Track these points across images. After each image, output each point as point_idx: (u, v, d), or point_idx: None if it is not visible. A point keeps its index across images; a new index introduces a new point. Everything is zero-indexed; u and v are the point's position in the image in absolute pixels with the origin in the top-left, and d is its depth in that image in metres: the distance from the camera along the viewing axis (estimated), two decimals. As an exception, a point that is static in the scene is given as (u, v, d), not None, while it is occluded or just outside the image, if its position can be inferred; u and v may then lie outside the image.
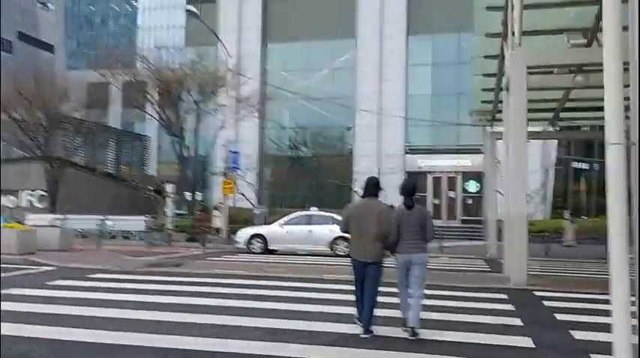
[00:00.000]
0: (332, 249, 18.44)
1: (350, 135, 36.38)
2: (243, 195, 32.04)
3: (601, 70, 4.64)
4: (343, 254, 18.14)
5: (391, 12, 34.75)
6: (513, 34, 11.42)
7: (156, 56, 24.92)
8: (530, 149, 29.93)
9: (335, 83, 35.98)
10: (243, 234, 19.52)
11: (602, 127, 4.88)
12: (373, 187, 6.56)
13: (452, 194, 32.91)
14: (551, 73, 12.74)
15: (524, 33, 11.32)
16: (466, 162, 33.41)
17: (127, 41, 55.91)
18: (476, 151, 33.31)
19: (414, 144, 34.66)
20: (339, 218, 18.84)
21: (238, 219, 31.06)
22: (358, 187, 32.51)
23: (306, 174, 37.96)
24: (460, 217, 32.32)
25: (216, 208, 25.03)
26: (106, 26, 73.40)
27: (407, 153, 34.44)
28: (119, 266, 13.28)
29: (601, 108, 4.67)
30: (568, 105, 18.08)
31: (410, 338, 6.10)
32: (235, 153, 24.03)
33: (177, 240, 24.26)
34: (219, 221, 23.99)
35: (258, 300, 8.55)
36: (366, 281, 6.34)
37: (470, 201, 33.67)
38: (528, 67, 11.01)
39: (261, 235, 19.12)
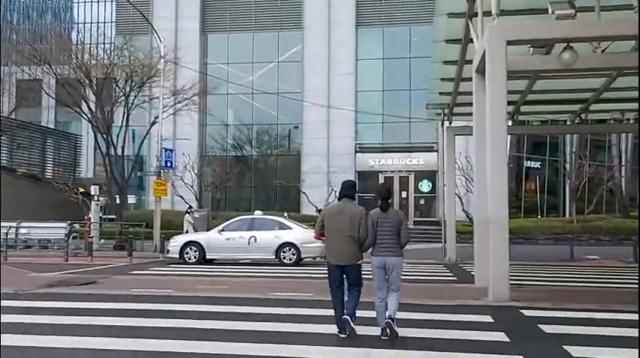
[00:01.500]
0: (278, 257, 16.35)
1: (298, 134, 34.37)
2: (181, 197, 29.42)
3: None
4: (290, 262, 16.12)
5: (340, 3, 32.98)
6: (488, 14, 9.73)
7: (87, 49, 21.93)
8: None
9: (281, 78, 33.88)
10: (176, 241, 17.14)
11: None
12: (349, 189, 6.48)
13: (404, 194, 31.41)
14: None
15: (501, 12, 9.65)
16: (419, 160, 32.07)
17: (59, 35, 51.75)
18: (428, 149, 32.08)
19: (364, 142, 33.03)
20: (287, 222, 16.80)
21: (177, 223, 28.48)
22: (307, 188, 30.66)
23: (252, 174, 35.68)
24: (413, 218, 30.89)
25: (188, 212, 22.33)
26: (43, 19, 68.27)
27: (357, 151, 32.77)
28: (14, 285, 10.69)
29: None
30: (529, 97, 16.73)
31: (384, 337, 6.17)
32: (170, 150, 21.51)
33: (102, 249, 21.55)
34: (188, 226, 21.40)
35: (176, 337, 6.34)
36: (349, 281, 6.39)
37: (423, 202, 32.34)
38: (508, 43, 9.30)
39: (196, 243, 16.79)
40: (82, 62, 20.08)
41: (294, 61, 33.80)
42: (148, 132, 23.21)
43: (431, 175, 31.68)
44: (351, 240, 6.24)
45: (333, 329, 6.46)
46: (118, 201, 22.37)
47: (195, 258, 16.66)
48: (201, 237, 17.12)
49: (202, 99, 32.83)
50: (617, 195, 32.37)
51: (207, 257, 16.73)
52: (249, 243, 16.50)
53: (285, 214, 24.13)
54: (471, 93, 17.26)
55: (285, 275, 13.74)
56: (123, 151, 22.59)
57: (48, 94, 21.08)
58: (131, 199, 30.10)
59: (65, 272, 13.92)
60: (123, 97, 21.68)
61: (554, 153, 34.32)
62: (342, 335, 6.19)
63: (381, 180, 32.07)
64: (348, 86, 32.30)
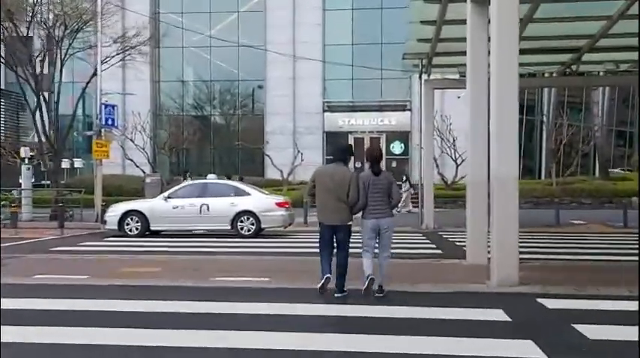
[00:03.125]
0: (235, 228, 14.16)
1: (262, 94, 31.74)
2: (131, 160, 26.76)
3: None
4: (249, 233, 13.97)
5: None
6: None
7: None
8: (457, 105, 27.15)
9: (242, 30, 30.97)
10: (114, 211, 14.71)
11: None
12: (341, 153, 6.68)
13: (375, 156, 29.37)
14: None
15: None
16: (390, 120, 30.01)
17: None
18: (401, 108, 30.03)
19: (333, 100, 30.67)
20: (245, 187, 14.53)
21: (128, 189, 25.94)
22: (271, 150, 28.33)
23: (212, 136, 33.07)
24: (385, 182, 28.93)
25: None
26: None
27: (325, 110, 30.44)
28: None
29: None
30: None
31: (378, 294, 6.31)
32: (111, 106, 18.77)
33: (38, 219, 18.95)
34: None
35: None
36: (338, 246, 6.52)
37: (394, 165, 30.43)
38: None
39: (138, 212, 14.40)
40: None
41: (256, 11, 30.90)
42: (86, 86, 20.25)
43: (403, 136, 29.75)
44: (341, 202, 6.36)
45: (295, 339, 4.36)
46: (52, 165, 19.57)
47: (137, 229, 14.32)
48: (143, 205, 14.71)
49: (154, 51, 29.87)
50: (596, 157, 31.10)
51: (152, 228, 14.42)
52: (200, 212, 14.23)
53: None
54: (454, 40, 15.18)
55: (240, 249, 11.60)
56: (57, 109, 19.69)
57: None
58: (78, 163, 27.31)
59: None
60: (54, 45, 18.64)
61: (530, 113, 32.70)
62: (321, 293, 6.32)
63: (351, 142, 29.96)
64: (314, 38, 29.66)
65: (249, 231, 14.18)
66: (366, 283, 6.31)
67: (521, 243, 7.59)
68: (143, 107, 28.82)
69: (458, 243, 12.56)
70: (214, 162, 32.84)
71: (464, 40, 13.79)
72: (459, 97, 27.59)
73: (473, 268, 8.59)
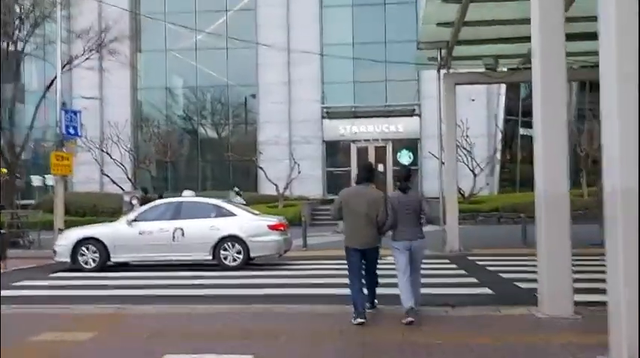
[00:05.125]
0: (217, 257, 11.26)
1: (255, 102, 28.91)
2: (107, 176, 23.86)
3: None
4: (234, 265, 11.07)
5: None
6: None
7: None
8: (472, 108, 24.35)
9: (230, 32, 28.17)
10: (66, 238, 11.79)
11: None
12: (366, 173, 6.51)
13: (381, 167, 26.46)
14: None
15: None
16: (397, 127, 27.19)
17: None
18: (409, 114, 27.24)
19: (333, 106, 27.84)
20: (228, 206, 11.57)
21: (105, 208, 23.05)
22: (264, 162, 25.45)
23: (199, 148, 30.19)
24: (393, 196, 26.04)
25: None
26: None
27: (324, 117, 27.59)
28: None
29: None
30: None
31: (411, 320, 5.85)
32: (72, 112, 15.91)
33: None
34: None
35: None
36: (367, 265, 6.34)
37: (401, 176, 27.50)
38: None
39: (96, 240, 11.46)
40: None
41: (246, 10, 28.19)
42: (46, 89, 17.35)
43: (412, 144, 26.91)
44: (370, 224, 6.14)
45: None
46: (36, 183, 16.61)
47: (94, 261, 11.39)
48: (102, 230, 11.76)
49: (134, 56, 27.10)
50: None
51: (113, 259, 11.48)
52: (173, 238, 11.33)
53: (236, 189, 18.92)
54: (483, 24, 12.57)
55: (221, 291, 8.70)
56: (11, 118, 16.80)
57: None
58: (49, 180, 24.38)
59: None
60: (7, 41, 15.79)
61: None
62: (361, 320, 5.87)
63: (354, 151, 27.14)
64: (311, 38, 26.90)
65: (234, 261, 11.28)
66: (408, 317, 5.86)
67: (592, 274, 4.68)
68: (122, 117, 25.93)
69: (503, 274, 9.75)
70: (204, 176, 29.95)
71: (496, 23, 11.05)
72: (472, 100, 25.08)
73: (559, 327, 5.71)
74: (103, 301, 7.92)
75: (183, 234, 11.33)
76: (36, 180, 25.93)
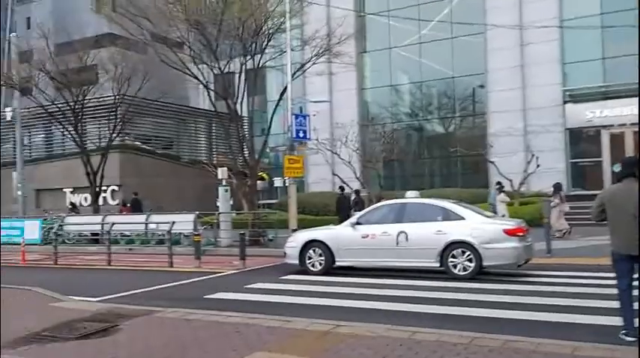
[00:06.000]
0: (444, 265, 10.16)
1: (483, 91, 26.90)
2: (337, 176, 24.46)
3: None
4: (464, 274, 9.83)
5: None
6: None
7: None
8: None
9: (456, 20, 26.61)
10: (294, 241, 11.93)
11: None
12: (631, 167, 5.66)
13: (643, 157, 22.00)
14: None
15: None
16: (664, 106, 22.32)
17: None
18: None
19: (576, 87, 24.21)
20: (457, 208, 10.29)
21: (335, 207, 23.63)
22: (495, 156, 23.33)
23: (425, 144, 29.29)
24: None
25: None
26: None
27: (567, 101, 24.14)
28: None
29: None
30: None
31: None
32: (302, 116, 16.42)
33: (234, 245, 17.44)
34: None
35: None
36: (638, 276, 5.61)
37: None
38: None
39: (321, 242, 11.35)
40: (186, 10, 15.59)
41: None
42: (280, 97, 18.31)
43: (685, 126, 21.82)
44: None
45: None
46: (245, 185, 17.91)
47: (320, 264, 11.28)
48: (327, 234, 11.59)
49: (359, 57, 27.47)
50: None
51: (337, 263, 11.23)
52: (397, 243, 10.56)
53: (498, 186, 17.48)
54: None
55: (449, 309, 7.55)
56: (251, 125, 18.13)
57: (170, 66, 17.42)
58: (277, 182, 26.22)
59: (126, 293, 9.62)
60: (244, 53, 17.02)
61: None
62: (631, 338, 5.32)
63: (605, 139, 23.20)
64: (548, 14, 23.77)
65: (464, 270, 10.02)
66: None
67: None
68: (349, 118, 26.48)
69: None
70: (431, 173, 28.99)
71: None
72: None
73: None
74: (321, 312, 7.49)
75: (407, 239, 10.49)
76: (277, 182, 28.06)
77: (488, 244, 9.92)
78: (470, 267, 9.99)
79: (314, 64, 17.90)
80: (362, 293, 9.02)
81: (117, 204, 25.34)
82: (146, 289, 10.03)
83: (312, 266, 11.34)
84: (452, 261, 10.14)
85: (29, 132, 29.04)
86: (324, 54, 17.76)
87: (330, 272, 11.16)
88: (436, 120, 29.31)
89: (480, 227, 10.20)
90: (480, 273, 10.00)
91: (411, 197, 11.90)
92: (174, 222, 14.50)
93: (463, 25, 25.68)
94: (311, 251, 11.39)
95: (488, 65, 25.84)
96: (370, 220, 11.19)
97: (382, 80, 29.14)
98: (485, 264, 9.96)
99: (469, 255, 10.01)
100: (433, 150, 29.14)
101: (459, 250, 10.09)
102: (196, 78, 17.42)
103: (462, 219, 10.38)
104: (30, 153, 29.61)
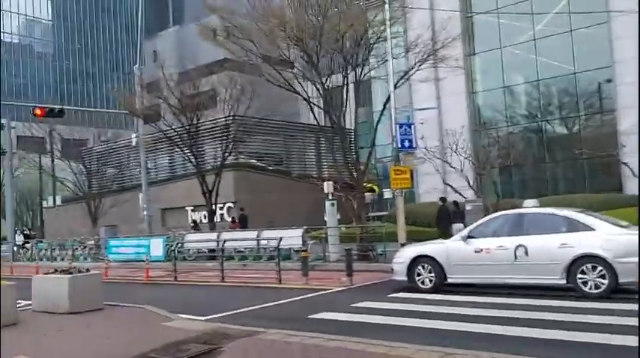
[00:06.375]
0: (572, 281, 9.06)
1: (610, 86, 24.45)
2: (449, 185, 23.36)
3: None
4: (595, 293, 8.71)
5: None
6: None
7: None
8: None
9: (574, 10, 24.51)
10: (401, 256, 11.34)
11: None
12: None
13: None
14: None
15: None
16: None
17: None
18: None
19: None
20: (585, 218, 9.13)
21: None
22: (629, 156, 20.89)
23: (545, 147, 27.17)
24: None
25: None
26: None
27: None
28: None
29: None
30: None
31: None
32: (406, 125, 15.83)
33: (340, 259, 17.18)
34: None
35: None
36: None
37: None
38: None
39: (430, 258, 10.67)
40: (292, 27, 15.65)
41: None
42: (384, 107, 17.85)
43: None
44: None
45: None
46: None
47: (430, 281, 10.60)
48: (436, 248, 10.87)
49: (467, 59, 26.23)
50: None
51: (449, 280, 10.47)
52: (515, 257, 9.60)
53: None
54: None
55: (583, 336, 6.57)
56: (356, 137, 17.85)
57: (271, 81, 17.73)
58: (387, 194, 25.57)
59: (233, 311, 9.66)
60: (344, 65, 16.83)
61: None
62: None
63: None
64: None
65: (596, 288, 8.85)
66: None
67: None
68: (458, 123, 25.27)
69: None
70: (554, 178, 26.80)
71: None
72: None
73: None
74: (430, 336, 6.89)
75: (526, 253, 9.50)
76: (387, 193, 27.50)
77: (624, 258, 8.68)
78: (603, 284, 8.79)
79: (418, 70, 17.24)
80: (476, 314, 8.25)
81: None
82: (252, 307, 10.01)
83: (422, 283, 10.69)
84: (581, 278, 9.00)
85: (154, 156, 31.23)
86: (429, 59, 17.03)
87: (441, 289, 10.44)
88: (557, 120, 27.13)
89: (614, 238, 8.97)
90: (615, 291, 8.77)
91: (530, 206, 10.83)
92: (281, 238, 14.50)
93: (583, 16, 23.55)
94: (420, 267, 10.75)
95: (614, 56, 23.44)
96: (484, 233, 10.32)
97: (494, 82, 27.59)
98: (621, 280, 8.71)
99: (601, 271, 8.82)
100: (555, 153, 26.95)
101: (589, 265, 8.94)
102: (298, 93, 17.51)
103: (591, 229, 9.20)
104: (156, 175, 31.82)
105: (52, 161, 36.41)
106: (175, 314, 9.15)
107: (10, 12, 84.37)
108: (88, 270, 9.74)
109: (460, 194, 22.63)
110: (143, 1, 25.61)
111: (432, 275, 10.55)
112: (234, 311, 9.68)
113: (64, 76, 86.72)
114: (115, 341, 7.42)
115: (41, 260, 24.46)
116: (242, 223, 22.94)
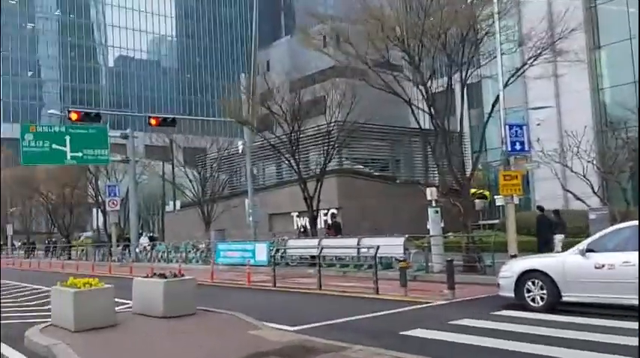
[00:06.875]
0: None
1: None
2: (570, 191, 21.39)
3: None
4: None
5: None
6: None
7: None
8: None
9: None
10: (508, 270, 10.27)
11: None
12: None
13: None
14: None
15: None
16: None
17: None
18: None
19: None
20: None
21: (568, 227, 20.64)
22: None
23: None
24: None
25: None
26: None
27: None
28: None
29: None
30: None
31: None
32: (517, 126, 14.55)
33: (442, 270, 16.18)
34: None
35: None
36: None
37: None
38: None
39: (541, 273, 9.54)
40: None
41: None
42: (492, 108, 16.58)
43: None
44: None
45: None
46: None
47: (542, 299, 9.46)
48: (548, 263, 9.67)
49: (591, 54, 23.88)
50: None
51: (564, 298, 9.27)
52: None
53: None
54: None
55: None
56: (461, 140, 16.77)
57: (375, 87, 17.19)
58: (499, 201, 23.86)
59: (323, 323, 9.27)
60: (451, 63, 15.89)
61: None
62: None
63: None
64: None
65: None
66: None
67: None
68: (581, 123, 23.04)
69: None
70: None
71: None
72: None
73: None
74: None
75: (657, 270, 8.11)
76: (498, 200, 25.81)
77: None
78: None
79: (531, 66, 15.82)
80: (595, 340, 7.13)
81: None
82: (344, 319, 9.55)
83: (532, 300, 9.58)
84: None
85: (262, 163, 32.01)
86: (543, 54, 15.56)
87: (554, 308, 9.27)
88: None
89: None
90: None
91: None
92: (379, 246, 13.89)
93: None
94: (530, 283, 9.65)
95: None
96: (606, 246, 9.03)
97: (624, 77, 24.86)
98: None
99: None
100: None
101: None
102: (399, 96, 16.83)
103: None
104: (264, 180, 32.60)
105: (173, 168, 38.75)
106: (264, 323, 8.96)
107: (140, 30, 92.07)
108: (182, 275, 9.86)
109: (582, 201, 20.61)
110: (257, 13, 26.31)
111: (544, 292, 9.42)
112: (325, 323, 9.29)
113: (186, 88, 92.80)
114: (196, 349, 7.34)
115: (158, 261, 25.93)
116: (335, 230, 22.78)
